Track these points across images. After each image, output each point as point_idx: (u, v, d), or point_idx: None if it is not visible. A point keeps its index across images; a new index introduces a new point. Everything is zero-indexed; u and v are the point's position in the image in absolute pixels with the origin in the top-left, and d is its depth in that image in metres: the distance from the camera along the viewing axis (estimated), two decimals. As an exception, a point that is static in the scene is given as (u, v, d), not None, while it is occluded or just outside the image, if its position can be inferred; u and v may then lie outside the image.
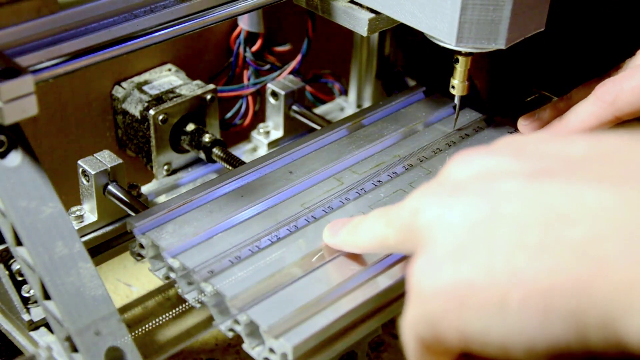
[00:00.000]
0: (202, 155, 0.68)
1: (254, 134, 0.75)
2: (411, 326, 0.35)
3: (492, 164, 0.35)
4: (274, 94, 0.73)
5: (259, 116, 0.77)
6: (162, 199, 0.69)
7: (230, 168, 0.66)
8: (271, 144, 0.74)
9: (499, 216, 0.32)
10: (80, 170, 0.60)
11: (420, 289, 0.34)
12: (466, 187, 0.34)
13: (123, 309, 0.49)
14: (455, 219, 0.33)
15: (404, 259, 0.52)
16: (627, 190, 0.30)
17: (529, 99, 0.70)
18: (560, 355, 0.31)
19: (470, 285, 0.32)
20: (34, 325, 0.56)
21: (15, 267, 0.56)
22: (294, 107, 0.73)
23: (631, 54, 0.59)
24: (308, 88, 0.80)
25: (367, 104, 0.81)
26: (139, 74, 0.72)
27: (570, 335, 0.30)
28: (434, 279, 0.33)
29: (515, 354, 0.32)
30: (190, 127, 0.69)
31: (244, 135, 0.76)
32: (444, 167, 0.37)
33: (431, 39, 0.56)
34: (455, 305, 0.32)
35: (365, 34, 0.59)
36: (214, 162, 0.68)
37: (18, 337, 0.58)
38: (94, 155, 0.60)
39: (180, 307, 0.50)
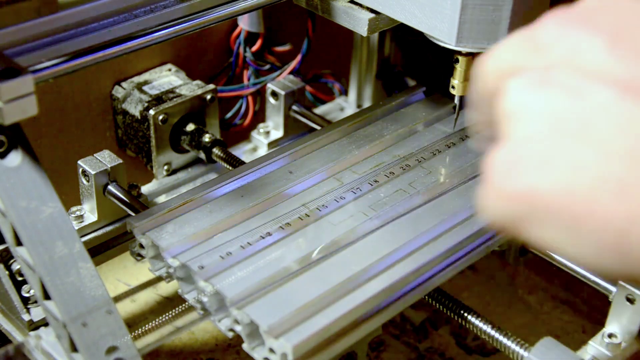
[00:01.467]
0: (202, 155, 0.68)
1: (254, 134, 0.75)
2: (489, 214, 0.34)
3: (586, 50, 0.33)
4: (274, 94, 0.73)
5: (259, 116, 0.77)
6: (162, 199, 0.69)
7: (230, 168, 0.66)
8: (271, 144, 0.74)
9: (587, 132, 0.31)
10: (80, 170, 0.60)
11: (501, 186, 0.33)
12: (558, 79, 0.33)
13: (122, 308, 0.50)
14: (544, 117, 0.33)
15: (404, 258, 0.52)
16: None
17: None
18: (633, 278, 0.31)
19: (549, 202, 0.32)
20: (34, 325, 0.56)
21: (15, 267, 0.56)
22: (294, 107, 0.73)
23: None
24: (308, 88, 0.80)
25: (367, 104, 0.81)
26: (139, 74, 0.72)
27: None
28: (517, 182, 0.33)
29: (586, 267, 0.32)
30: (190, 127, 0.69)
31: (244, 135, 0.76)
32: (535, 25, 0.35)
33: (431, 39, 0.56)
34: (532, 214, 0.32)
35: (365, 34, 0.59)
36: (214, 162, 0.68)
37: (18, 337, 0.58)
38: (94, 155, 0.60)
39: (180, 307, 0.50)
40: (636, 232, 0.30)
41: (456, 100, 0.61)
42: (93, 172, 0.59)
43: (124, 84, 0.71)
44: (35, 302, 0.56)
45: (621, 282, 0.57)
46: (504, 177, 0.33)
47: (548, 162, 0.32)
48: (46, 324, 0.56)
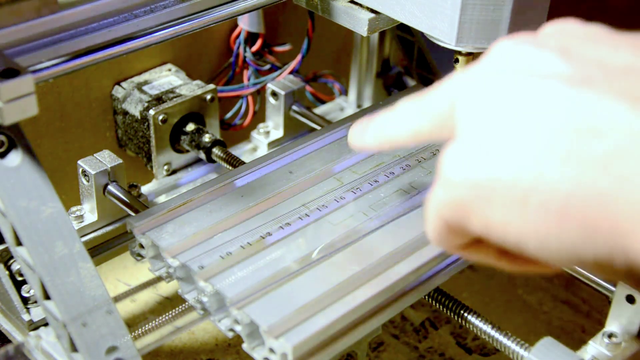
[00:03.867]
0: (202, 155, 0.68)
1: (254, 134, 0.75)
2: (437, 207, 0.37)
3: (537, 60, 0.35)
4: (274, 94, 0.73)
5: (259, 116, 0.77)
6: (162, 199, 0.69)
7: (230, 168, 0.66)
8: (271, 144, 0.74)
9: (535, 118, 0.33)
10: (80, 170, 0.60)
11: (450, 176, 0.35)
12: (507, 81, 0.35)
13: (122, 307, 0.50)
14: (491, 113, 0.34)
15: (404, 258, 0.52)
16: None
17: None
18: (569, 258, 0.33)
19: (496, 181, 0.33)
20: (34, 326, 0.56)
21: (15, 267, 0.56)
22: (294, 107, 0.73)
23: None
24: (308, 88, 0.80)
25: (367, 104, 0.81)
26: (139, 74, 0.72)
27: (580, 241, 0.32)
28: (464, 170, 0.34)
29: (529, 250, 0.33)
30: (190, 127, 0.69)
31: (244, 135, 0.76)
32: (487, 52, 0.37)
33: (431, 39, 0.56)
34: (480, 196, 0.34)
35: (365, 34, 0.59)
36: (214, 162, 0.68)
37: (18, 337, 0.58)
38: (94, 155, 0.60)
39: (180, 307, 0.50)
40: (580, 195, 0.31)
41: (456, 100, 0.61)
42: (93, 172, 0.59)
43: (124, 84, 0.71)
44: (35, 302, 0.56)
45: (621, 282, 0.57)
46: (454, 167, 0.35)
47: (496, 149, 0.34)
48: (46, 324, 0.56)
